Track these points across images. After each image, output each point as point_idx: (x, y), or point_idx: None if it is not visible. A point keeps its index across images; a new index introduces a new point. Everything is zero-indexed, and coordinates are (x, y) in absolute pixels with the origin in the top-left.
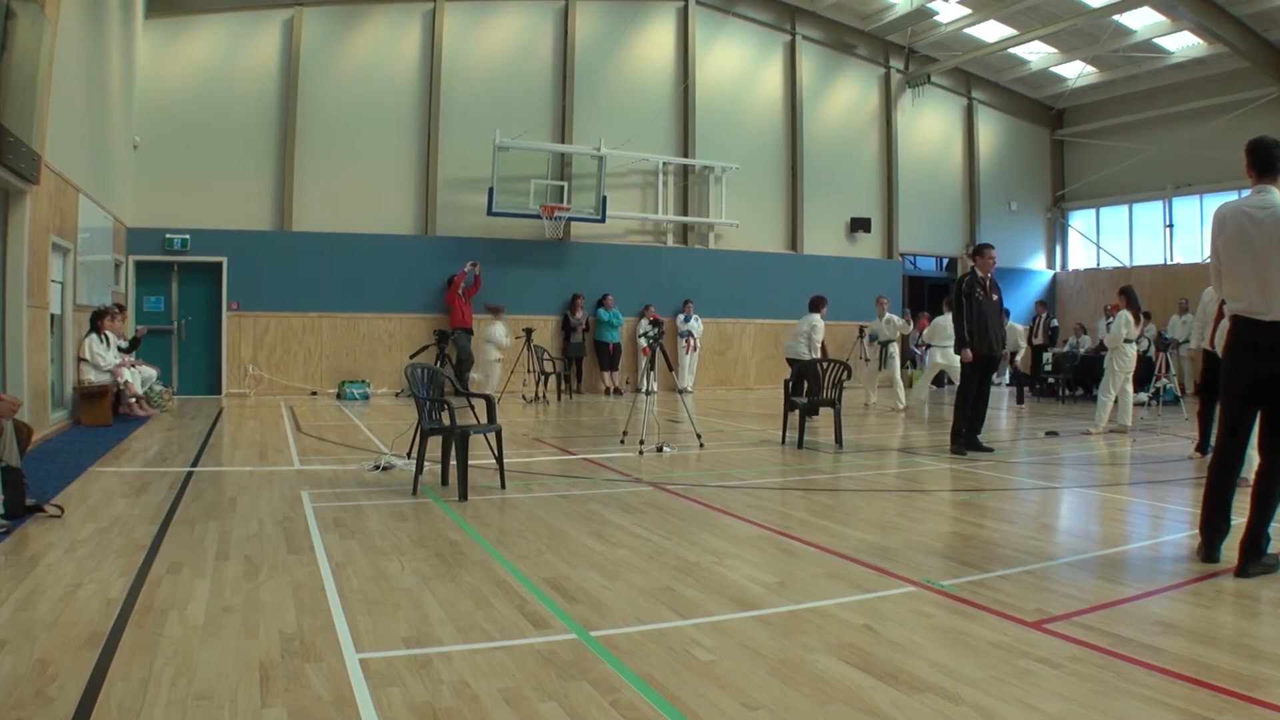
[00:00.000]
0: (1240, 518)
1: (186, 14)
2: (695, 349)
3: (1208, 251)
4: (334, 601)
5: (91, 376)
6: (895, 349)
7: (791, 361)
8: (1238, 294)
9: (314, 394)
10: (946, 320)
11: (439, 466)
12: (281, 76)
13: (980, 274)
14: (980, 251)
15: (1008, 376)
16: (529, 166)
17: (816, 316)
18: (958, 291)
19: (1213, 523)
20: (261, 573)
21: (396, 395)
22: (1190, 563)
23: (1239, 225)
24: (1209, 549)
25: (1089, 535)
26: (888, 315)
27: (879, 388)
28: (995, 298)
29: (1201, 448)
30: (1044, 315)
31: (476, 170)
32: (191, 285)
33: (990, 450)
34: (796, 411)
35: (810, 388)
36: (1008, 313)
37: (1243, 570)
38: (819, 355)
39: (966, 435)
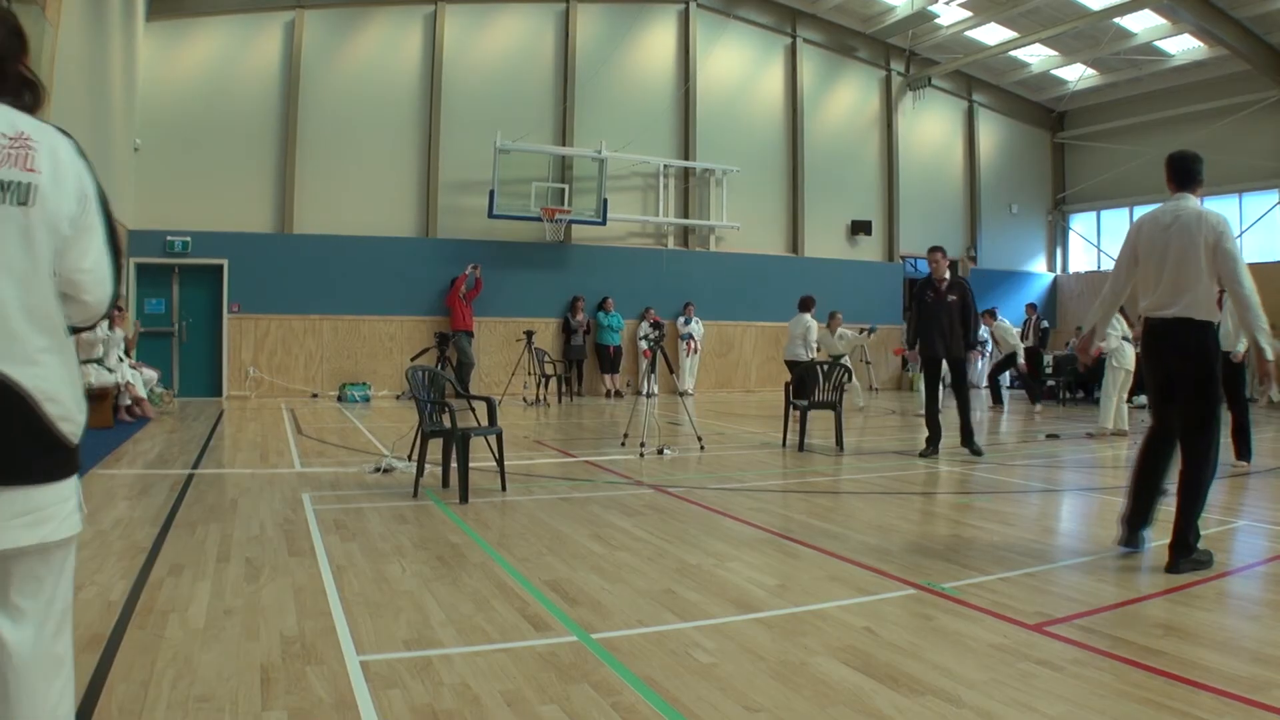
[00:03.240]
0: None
1: (188, 16)
2: (696, 351)
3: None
4: (335, 604)
5: (92, 379)
6: (848, 361)
7: (791, 364)
8: (1149, 293)
9: (315, 396)
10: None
11: (440, 469)
12: (283, 79)
13: (933, 276)
14: (929, 253)
15: (1006, 378)
16: (530, 169)
17: (808, 317)
18: (912, 295)
19: (1135, 514)
20: (262, 575)
21: (397, 398)
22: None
23: (1153, 229)
24: (1129, 535)
25: (1090, 538)
26: (840, 330)
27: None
28: (952, 299)
29: None
30: (1034, 317)
31: (477, 173)
32: (192, 287)
33: (981, 453)
34: (797, 414)
35: (810, 388)
36: (993, 312)
37: (1173, 566)
38: (816, 355)
39: (930, 438)
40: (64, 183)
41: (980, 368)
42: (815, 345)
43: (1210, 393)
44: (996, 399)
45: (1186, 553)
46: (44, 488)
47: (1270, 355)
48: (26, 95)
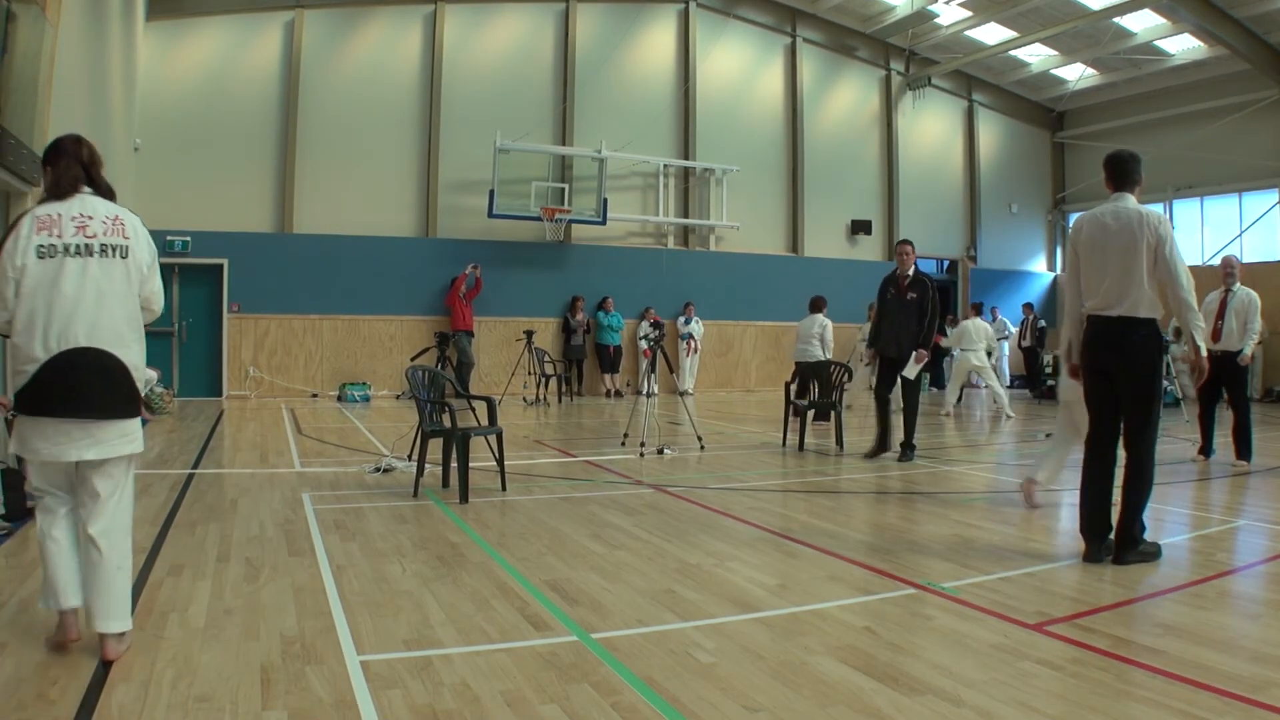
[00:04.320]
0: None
1: (187, 16)
2: (696, 351)
3: (1207, 254)
4: (335, 604)
5: None
6: None
7: (807, 366)
8: (1093, 292)
9: (315, 396)
10: (971, 324)
11: (440, 469)
12: (282, 78)
13: (899, 271)
14: (899, 245)
15: (1006, 377)
16: (530, 169)
17: (823, 317)
18: (878, 290)
19: (1092, 524)
20: (262, 575)
21: (397, 397)
22: (1190, 565)
23: (1094, 229)
24: (1092, 551)
25: None
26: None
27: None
28: (911, 297)
29: (1204, 450)
30: (1031, 317)
31: (477, 172)
32: (192, 287)
33: (875, 458)
34: (796, 414)
35: (821, 389)
36: (977, 308)
37: (1120, 559)
38: (831, 356)
39: (906, 441)
40: (140, 244)
41: (942, 369)
42: (831, 345)
43: (1152, 390)
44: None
45: (1132, 545)
46: (131, 420)
47: (1205, 351)
48: (109, 192)
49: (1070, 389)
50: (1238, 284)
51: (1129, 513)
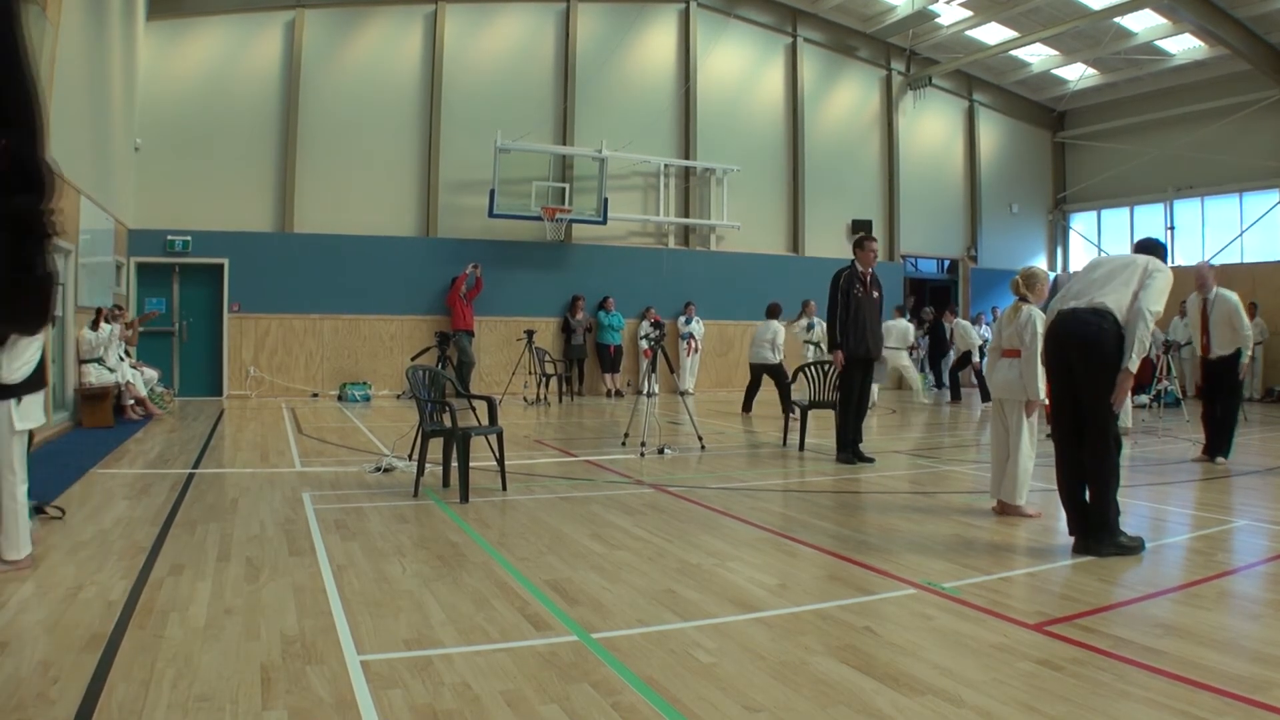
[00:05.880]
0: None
1: (188, 16)
2: (696, 351)
3: (1208, 254)
4: (335, 603)
5: (92, 379)
6: (902, 357)
7: (760, 367)
8: (1069, 295)
9: (315, 396)
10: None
11: (440, 468)
12: (283, 78)
13: (860, 269)
14: (860, 244)
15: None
16: (530, 168)
17: (777, 323)
18: (834, 287)
19: (1074, 518)
20: (263, 575)
21: (398, 397)
22: (1191, 565)
23: (1100, 257)
24: (1080, 545)
25: None
26: (887, 324)
27: None
28: (875, 295)
29: (1209, 450)
30: None
31: (478, 172)
32: (193, 287)
33: (871, 460)
34: (796, 414)
35: (781, 390)
36: (900, 310)
37: (1096, 551)
38: (783, 358)
39: (852, 444)
40: None
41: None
42: (782, 348)
43: (1110, 380)
44: (955, 395)
45: (1108, 537)
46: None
47: (1135, 366)
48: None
49: (1002, 386)
50: (1213, 290)
51: (1097, 505)
